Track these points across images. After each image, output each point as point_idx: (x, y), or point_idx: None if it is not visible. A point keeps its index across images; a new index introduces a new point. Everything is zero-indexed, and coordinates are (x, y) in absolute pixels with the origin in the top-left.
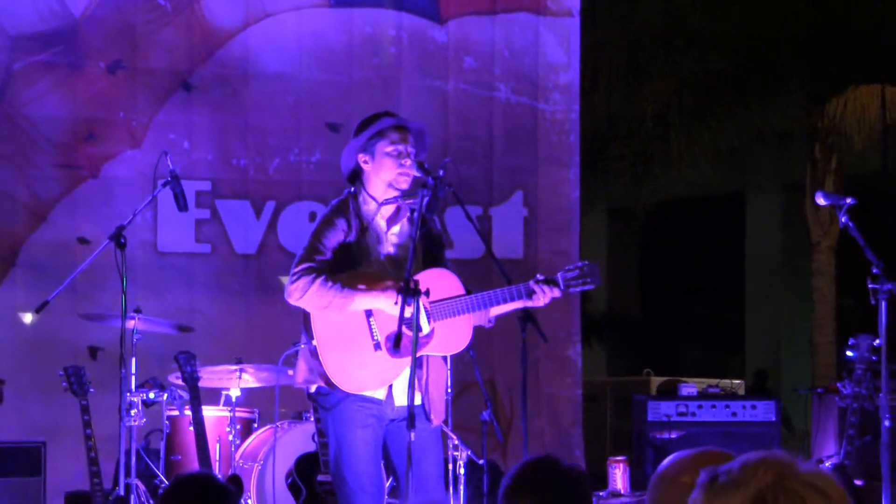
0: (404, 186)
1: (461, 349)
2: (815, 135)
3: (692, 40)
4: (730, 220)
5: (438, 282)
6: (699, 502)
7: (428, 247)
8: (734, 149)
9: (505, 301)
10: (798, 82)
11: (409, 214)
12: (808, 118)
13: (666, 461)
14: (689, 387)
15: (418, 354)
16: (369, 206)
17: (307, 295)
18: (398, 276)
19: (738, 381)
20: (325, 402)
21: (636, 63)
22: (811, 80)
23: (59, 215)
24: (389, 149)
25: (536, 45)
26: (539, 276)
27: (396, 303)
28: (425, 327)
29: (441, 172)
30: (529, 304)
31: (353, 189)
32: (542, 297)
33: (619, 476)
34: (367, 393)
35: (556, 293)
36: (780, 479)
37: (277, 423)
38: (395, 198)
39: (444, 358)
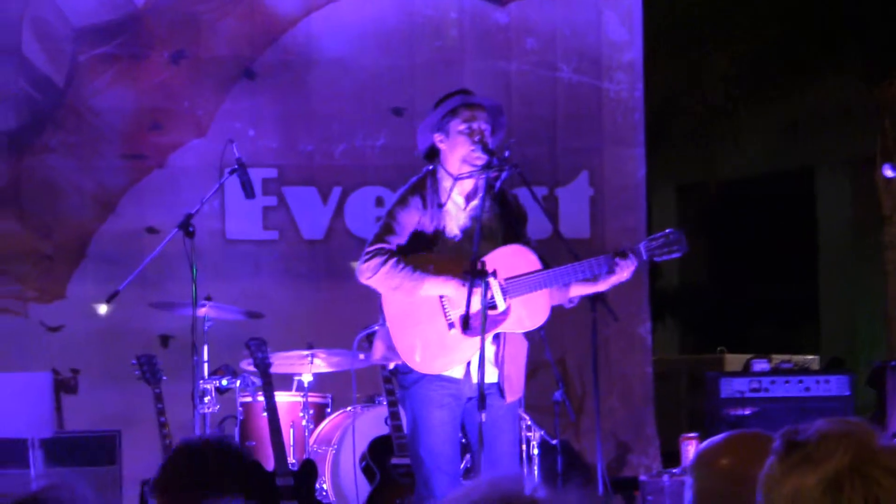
0: (479, 163)
1: (538, 325)
2: (884, 106)
3: (755, 14)
4: (800, 194)
5: (514, 258)
6: (774, 470)
7: (508, 222)
8: (802, 123)
9: (584, 274)
10: (864, 53)
11: (485, 191)
12: (878, 89)
13: (702, 445)
14: (762, 362)
15: (494, 332)
16: (446, 184)
17: (377, 275)
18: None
19: (811, 357)
20: (403, 380)
21: (699, 39)
22: (878, 50)
23: (127, 206)
24: (462, 127)
25: (598, 24)
26: (621, 249)
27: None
28: (501, 304)
29: (507, 153)
30: (614, 280)
31: (430, 167)
32: (622, 271)
33: (691, 453)
34: (445, 372)
35: (634, 263)
36: (858, 462)
37: (350, 408)
38: (472, 173)
39: (524, 333)
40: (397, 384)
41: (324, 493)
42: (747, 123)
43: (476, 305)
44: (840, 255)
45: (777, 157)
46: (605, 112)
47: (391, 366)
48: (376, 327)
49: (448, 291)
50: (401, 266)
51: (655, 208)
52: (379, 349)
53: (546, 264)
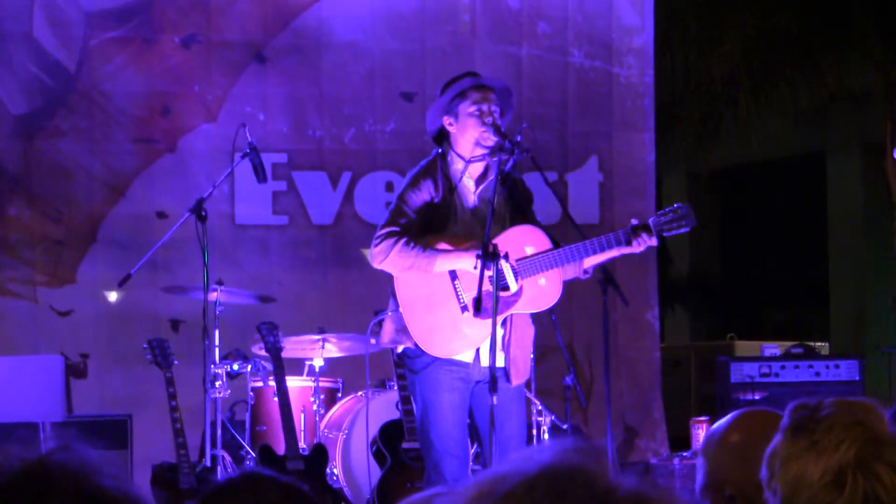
0: (490, 144)
1: (551, 305)
2: (893, 92)
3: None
4: (810, 181)
5: (525, 238)
6: (780, 449)
7: (517, 203)
8: (812, 109)
9: (594, 252)
10: (874, 39)
11: (497, 175)
12: (886, 76)
13: (713, 426)
14: (772, 347)
15: (507, 313)
16: (457, 166)
17: (389, 257)
18: (484, 234)
19: (821, 343)
20: (413, 364)
21: (709, 25)
22: (888, 36)
23: (137, 190)
24: (472, 109)
25: (610, 9)
26: (634, 222)
27: (476, 266)
28: (513, 285)
29: (518, 137)
30: (626, 250)
31: (440, 150)
32: (639, 245)
33: (702, 436)
34: (456, 356)
35: (653, 241)
36: (862, 456)
37: (361, 392)
38: (483, 155)
39: (531, 317)
40: (406, 368)
41: (334, 478)
42: (758, 109)
43: (488, 288)
44: (850, 240)
45: (787, 143)
46: (616, 97)
47: (399, 349)
48: (389, 313)
49: (463, 265)
50: (411, 245)
51: (666, 195)
52: (388, 332)
53: (556, 243)
